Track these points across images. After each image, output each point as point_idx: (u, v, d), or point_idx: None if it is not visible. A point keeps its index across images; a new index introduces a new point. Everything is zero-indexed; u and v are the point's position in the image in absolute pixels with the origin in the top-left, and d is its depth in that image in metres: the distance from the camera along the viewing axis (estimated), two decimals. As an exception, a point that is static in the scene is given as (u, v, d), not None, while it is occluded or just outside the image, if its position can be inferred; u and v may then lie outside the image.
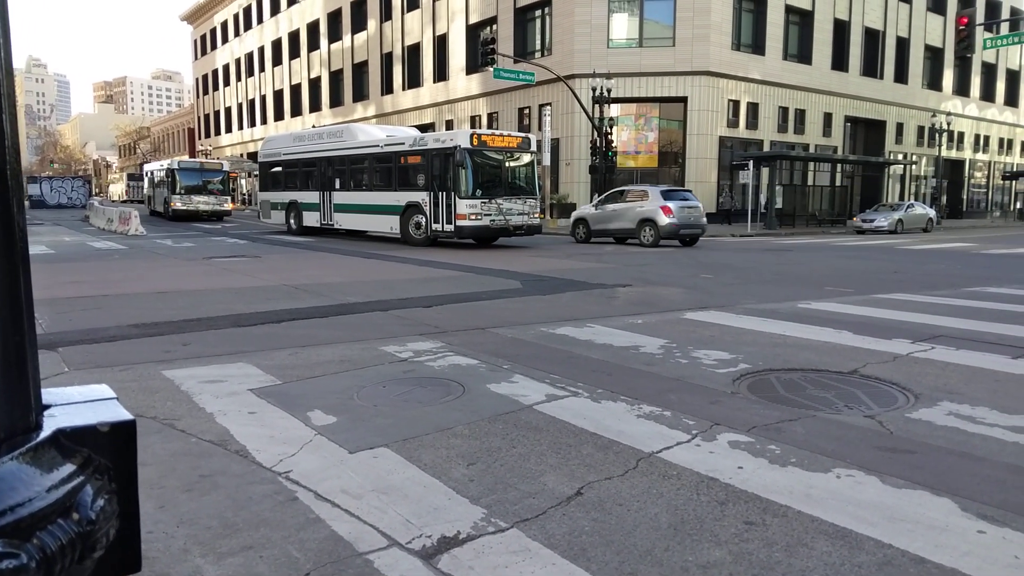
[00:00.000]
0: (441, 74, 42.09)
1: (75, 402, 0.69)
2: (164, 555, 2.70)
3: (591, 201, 30.51)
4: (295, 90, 57.80)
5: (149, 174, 42.12)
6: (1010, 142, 53.47)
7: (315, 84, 55.16)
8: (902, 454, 3.80)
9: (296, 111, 57.65)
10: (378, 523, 2.96)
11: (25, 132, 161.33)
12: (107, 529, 0.62)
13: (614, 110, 31.33)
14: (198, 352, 6.16)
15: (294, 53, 57.21)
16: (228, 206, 36.49)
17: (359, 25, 48.95)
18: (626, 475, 3.49)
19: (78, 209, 51.57)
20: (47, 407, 0.66)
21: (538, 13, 36.18)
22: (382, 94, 47.23)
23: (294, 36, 56.93)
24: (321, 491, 3.27)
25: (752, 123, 35.46)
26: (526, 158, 19.52)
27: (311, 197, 23.80)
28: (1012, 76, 51.94)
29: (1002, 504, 3.15)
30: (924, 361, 5.91)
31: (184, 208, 34.79)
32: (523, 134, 20.17)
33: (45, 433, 0.62)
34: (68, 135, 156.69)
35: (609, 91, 28.55)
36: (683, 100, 33.17)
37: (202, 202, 35.42)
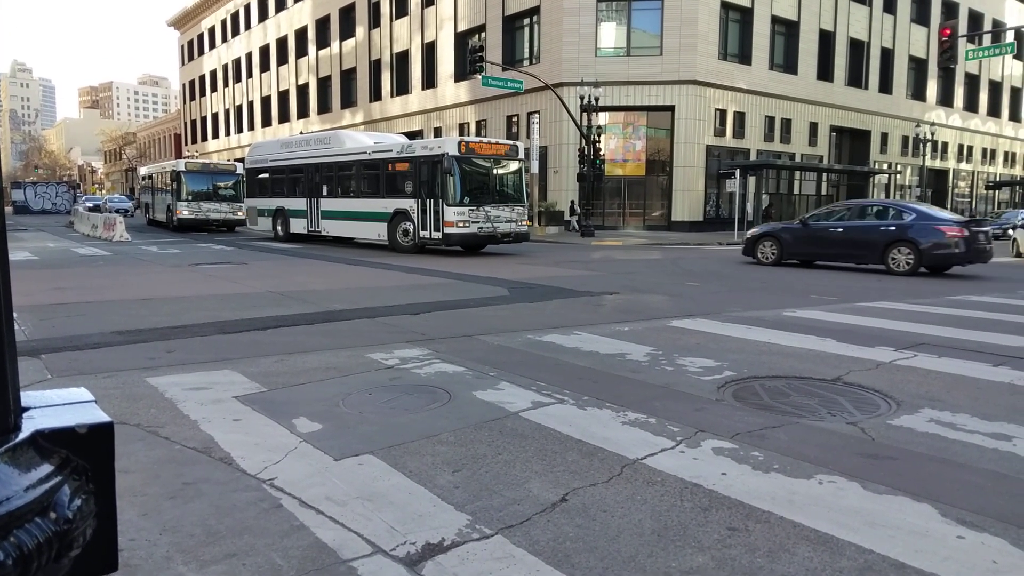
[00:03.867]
0: (429, 81, 42.12)
1: (54, 404, 0.69)
2: (147, 562, 2.69)
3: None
4: (283, 96, 57.65)
5: (147, 178, 36.88)
6: (993, 152, 54.07)
7: (303, 90, 55.05)
8: (884, 460, 3.83)
9: (284, 117, 57.48)
10: (362, 530, 2.96)
11: (9, 137, 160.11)
12: (84, 528, 0.63)
13: (602, 118, 31.44)
14: (182, 359, 6.13)
15: (282, 59, 57.08)
16: (242, 214, 30.42)
17: (347, 32, 48.92)
18: (611, 481, 3.50)
19: (63, 215, 51.15)
20: (26, 409, 0.67)
21: (526, 21, 36.30)
22: (370, 101, 47.18)
23: (282, 42, 56.82)
24: (305, 498, 3.27)
25: (739, 132, 35.69)
26: (514, 165, 19.56)
27: (298, 204, 23.73)
28: (995, 87, 52.57)
29: (981, 510, 3.18)
30: (906, 369, 5.96)
31: (192, 217, 30.14)
32: (511, 142, 20.20)
33: (24, 434, 0.62)
34: (53, 140, 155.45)
35: (597, 99, 28.66)
36: (670, 109, 33.35)
37: (212, 210, 30.64)
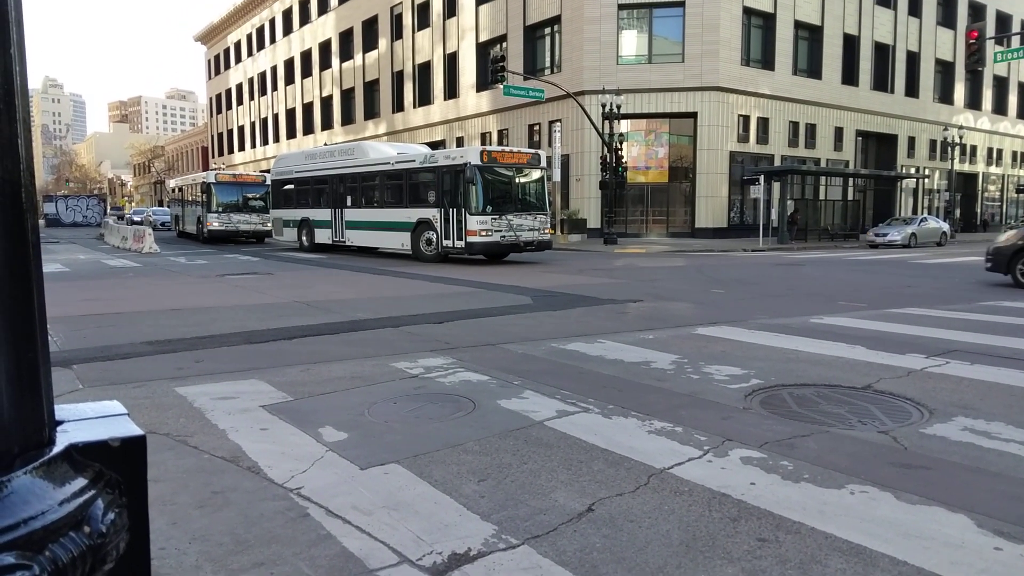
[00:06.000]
0: (451, 91, 42.35)
1: (87, 418, 0.70)
2: (176, 571, 2.71)
3: (602, 217, 30.43)
4: (307, 108, 58.28)
5: (177, 190, 37.04)
6: (1023, 155, 53.12)
7: (327, 102, 55.61)
8: (917, 470, 3.76)
9: (308, 129, 58.10)
10: (389, 540, 2.95)
11: (41, 151, 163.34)
12: (117, 542, 0.63)
13: (624, 126, 31.38)
14: (211, 369, 6.20)
15: (306, 72, 57.75)
16: (271, 225, 29.49)
17: (370, 44, 49.39)
18: (637, 491, 3.47)
19: (93, 227, 52.06)
20: (60, 422, 0.67)
21: (547, 30, 36.39)
22: (393, 112, 47.54)
23: (306, 55, 57.50)
24: (332, 507, 3.27)
25: (763, 138, 35.43)
26: (536, 174, 19.59)
27: (323, 214, 23.95)
28: (1024, 89, 51.73)
29: (1019, 520, 3.10)
30: (938, 376, 5.86)
31: (223, 228, 30.11)
32: (533, 150, 20.24)
33: (58, 448, 0.63)
34: (84, 154, 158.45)
35: (619, 107, 28.62)
36: (693, 115, 33.21)
37: (242, 221, 30.57)
